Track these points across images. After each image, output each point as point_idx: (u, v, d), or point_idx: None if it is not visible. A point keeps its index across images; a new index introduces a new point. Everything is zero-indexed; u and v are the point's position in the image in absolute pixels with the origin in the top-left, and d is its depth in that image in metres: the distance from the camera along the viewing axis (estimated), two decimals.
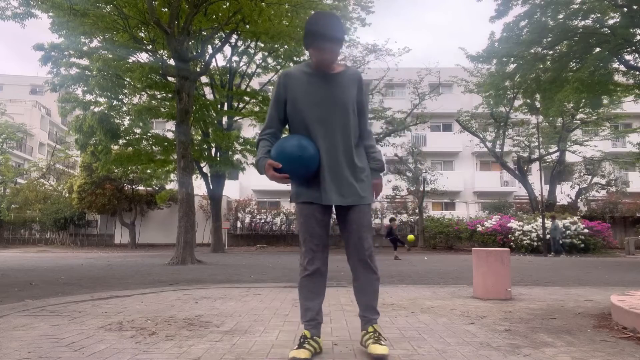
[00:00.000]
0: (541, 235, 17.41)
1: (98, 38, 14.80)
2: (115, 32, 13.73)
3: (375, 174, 2.46)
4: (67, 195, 24.50)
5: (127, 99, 18.08)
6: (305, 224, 2.34)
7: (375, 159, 2.48)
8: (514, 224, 18.91)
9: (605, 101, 17.22)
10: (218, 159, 18.43)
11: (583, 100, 15.69)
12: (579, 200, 24.28)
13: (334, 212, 2.43)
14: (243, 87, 19.60)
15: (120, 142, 17.75)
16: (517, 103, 21.47)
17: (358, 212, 2.33)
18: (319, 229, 2.33)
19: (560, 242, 17.53)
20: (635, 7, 12.69)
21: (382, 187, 2.51)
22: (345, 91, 2.34)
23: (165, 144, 17.42)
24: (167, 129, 22.37)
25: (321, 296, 2.38)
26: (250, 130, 23.28)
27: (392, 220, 15.66)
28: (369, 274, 2.35)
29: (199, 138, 18.51)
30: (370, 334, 2.30)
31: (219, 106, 18.40)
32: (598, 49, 13.88)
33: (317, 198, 2.31)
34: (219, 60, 19.20)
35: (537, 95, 18.19)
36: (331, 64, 2.35)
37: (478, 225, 19.67)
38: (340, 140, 2.30)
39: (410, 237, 14.85)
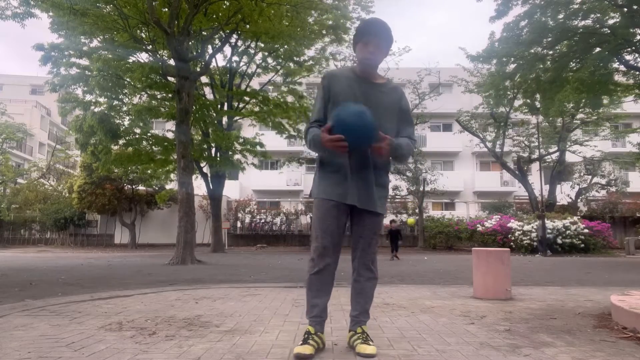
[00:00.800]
0: (541, 236, 17.41)
1: (98, 38, 14.79)
2: (115, 32, 13.71)
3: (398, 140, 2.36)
4: (67, 195, 24.48)
5: (127, 99, 18.07)
6: (322, 220, 2.36)
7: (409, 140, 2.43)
8: (514, 224, 18.90)
9: (605, 101, 17.20)
10: (218, 159, 18.43)
11: (583, 100, 15.66)
12: (579, 200, 24.27)
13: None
14: (243, 87, 19.59)
15: (120, 142, 17.73)
16: (517, 103, 21.44)
17: (374, 219, 2.41)
18: (335, 227, 2.36)
19: (560, 241, 17.53)
20: (635, 7, 12.68)
21: (386, 151, 2.27)
22: (387, 100, 2.41)
23: (165, 144, 17.40)
24: (167, 129, 22.36)
25: (328, 294, 2.43)
26: (250, 130, 23.26)
27: (392, 222, 15.10)
28: (370, 277, 2.45)
29: (199, 138, 18.50)
30: (359, 334, 2.37)
31: (219, 106, 18.39)
32: (598, 49, 13.86)
33: (341, 197, 2.34)
34: (219, 60, 19.22)
35: (537, 95, 18.17)
36: (374, 65, 2.41)
37: (478, 225, 19.67)
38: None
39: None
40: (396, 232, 14.12)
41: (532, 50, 14.91)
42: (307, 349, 2.20)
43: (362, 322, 2.43)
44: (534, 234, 17.92)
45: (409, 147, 2.39)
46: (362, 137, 2.17)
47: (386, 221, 23.51)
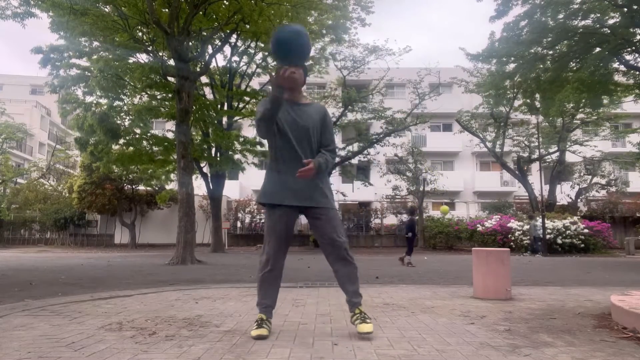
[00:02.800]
0: (541, 236, 17.41)
1: (98, 39, 14.77)
2: (115, 33, 13.71)
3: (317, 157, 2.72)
4: (67, 195, 24.47)
5: (127, 99, 18.06)
6: (272, 226, 2.72)
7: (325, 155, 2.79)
8: (514, 224, 18.90)
9: (605, 101, 17.19)
10: (218, 158, 18.43)
11: (583, 100, 15.67)
12: (579, 200, 24.26)
13: (303, 217, 2.80)
14: (243, 87, 19.59)
15: (121, 142, 17.73)
16: (517, 103, 21.43)
17: (326, 215, 2.72)
18: (285, 230, 2.73)
19: (560, 241, 17.50)
20: (635, 7, 12.67)
21: (310, 172, 2.62)
22: (309, 118, 2.80)
23: (165, 144, 17.40)
24: (167, 129, 22.33)
25: (278, 288, 2.81)
26: (250, 130, 23.24)
27: (412, 212, 12.26)
28: (348, 265, 2.73)
29: (199, 138, 18.51)
30: (358, 315, 2.68)
31: (219, 106, 18.39)
32: (598, 49, 13.85)
33: (284, 200, 2.68)
34: (219, 60, 19.22)
35: (537, 95, 18.17)
36: (299, 86, 2.79)
37: (478, 225, 19.66)
38: (308, 153, 2.74)
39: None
40: (409, 226, 11.13)
41: (532, 50, 14.90)
42: (264, 331, 2.62)
43: (357, 303, 2.72)
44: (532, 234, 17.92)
45: (327, 163, 2.76)
46: (293, 47, 2.60)
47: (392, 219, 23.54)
